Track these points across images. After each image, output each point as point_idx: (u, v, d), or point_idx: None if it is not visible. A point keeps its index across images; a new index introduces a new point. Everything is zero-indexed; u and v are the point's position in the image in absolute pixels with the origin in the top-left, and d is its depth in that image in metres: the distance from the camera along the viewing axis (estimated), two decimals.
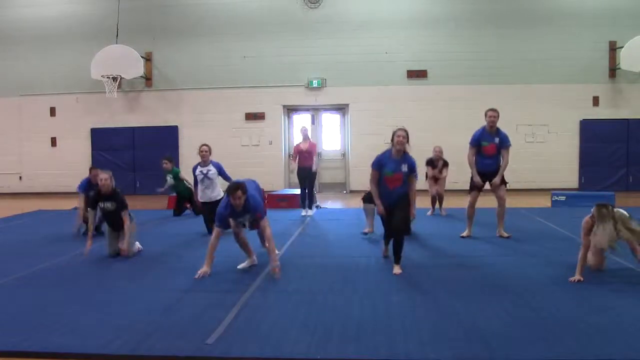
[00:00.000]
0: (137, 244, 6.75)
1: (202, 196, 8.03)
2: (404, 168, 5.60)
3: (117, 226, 6.48)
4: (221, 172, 8.05)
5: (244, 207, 5.37)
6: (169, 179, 10.06)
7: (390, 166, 5.59)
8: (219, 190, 8.01)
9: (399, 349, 3.55)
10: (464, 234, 7.56)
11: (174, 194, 10.40)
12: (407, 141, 5.62)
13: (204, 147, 8.15)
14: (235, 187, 5.28)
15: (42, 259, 6.35)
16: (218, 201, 7.76)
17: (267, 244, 5.58)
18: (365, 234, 7.65)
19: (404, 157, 5.64)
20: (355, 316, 4.20)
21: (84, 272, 5.81)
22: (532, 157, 13.91)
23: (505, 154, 7.22)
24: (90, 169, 8.29)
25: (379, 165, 5.62)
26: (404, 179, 5.63)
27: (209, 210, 7.73)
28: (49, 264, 6.16)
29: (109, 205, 6.41)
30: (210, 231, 7.89)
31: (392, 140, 5.61)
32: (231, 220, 5.55)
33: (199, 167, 8.04)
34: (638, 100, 14.06)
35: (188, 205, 10.22)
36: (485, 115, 7.32)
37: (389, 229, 5.83)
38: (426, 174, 9.77)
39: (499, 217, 7.47)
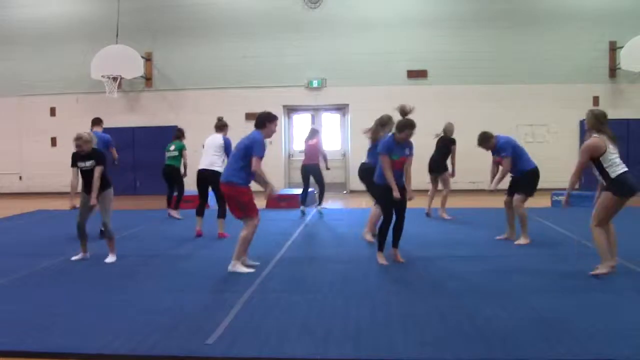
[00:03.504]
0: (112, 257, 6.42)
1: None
2: (407, 152, 5.91)
3: (90, 188, 6.21)
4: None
5: None
6: (171, 150, 9.82)
7: (397, 151, 5.83)
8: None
9: (399, 349, 3.55)
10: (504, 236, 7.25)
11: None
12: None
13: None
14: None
15: (42, 259, 6.34)
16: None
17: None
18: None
19: (406, 142, 5.94)
20: (355, 316, 4.20)
21: (84, 272, 5.81)
22: (532, 157, 13.90)
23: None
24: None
25: (389, 150, 5.80)
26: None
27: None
28: (49, 264, 6.16)
29: (88, 164, 6.21)
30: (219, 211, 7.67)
31: (400, 130, 5.80)
32: None
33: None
34: (638, 100, 14.06)
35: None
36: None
37: (399, 215, 5.97)
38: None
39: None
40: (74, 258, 6.36)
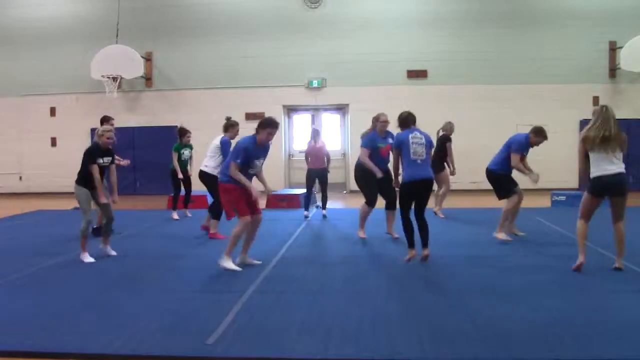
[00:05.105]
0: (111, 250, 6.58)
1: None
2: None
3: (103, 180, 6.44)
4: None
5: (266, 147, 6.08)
6: (188, 153, 9.69)
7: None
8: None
9: (399, 349, 3.55)
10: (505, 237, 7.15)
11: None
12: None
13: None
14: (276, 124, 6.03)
15: (42, 259, 6.33)
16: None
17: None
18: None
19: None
20: (355, 316, 4.20)
21: (84, 272, 5.80)
22: (531, 157, 13.74)
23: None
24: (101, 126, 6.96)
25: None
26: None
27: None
28: (49, 264, 6.16)
29: (107, 160, 6.36)
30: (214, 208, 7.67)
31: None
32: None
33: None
34: (638, 100, 14.07)
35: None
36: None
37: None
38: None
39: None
40: (86, 260, 6.19)
